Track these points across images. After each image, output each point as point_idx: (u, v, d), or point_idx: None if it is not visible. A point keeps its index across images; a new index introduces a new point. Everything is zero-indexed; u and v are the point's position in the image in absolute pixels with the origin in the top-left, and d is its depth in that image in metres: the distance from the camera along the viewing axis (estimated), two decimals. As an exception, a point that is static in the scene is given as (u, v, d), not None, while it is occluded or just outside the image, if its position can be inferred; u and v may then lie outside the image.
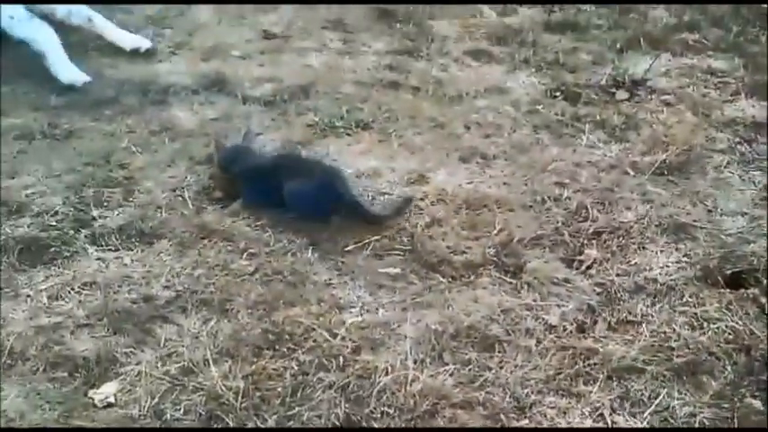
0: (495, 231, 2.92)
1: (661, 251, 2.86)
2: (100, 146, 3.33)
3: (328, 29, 4.31)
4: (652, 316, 2.60)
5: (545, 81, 3.89)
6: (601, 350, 2.46)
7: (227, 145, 3.15)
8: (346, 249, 2.84)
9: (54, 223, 2.90)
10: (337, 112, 3.58)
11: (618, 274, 2.75)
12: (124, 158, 3.26)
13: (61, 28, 3.85)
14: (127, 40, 3.97)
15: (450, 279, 2.73)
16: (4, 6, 3.58)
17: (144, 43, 3.98)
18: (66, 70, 3.47)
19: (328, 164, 3.15)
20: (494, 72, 3.97)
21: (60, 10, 3.91)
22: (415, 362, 2.42)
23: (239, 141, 3.17)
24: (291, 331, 2.50)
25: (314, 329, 2.51)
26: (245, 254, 2.80)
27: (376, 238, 2.88)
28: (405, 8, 4.49)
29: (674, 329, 2.55)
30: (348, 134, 3.47)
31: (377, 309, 2.61)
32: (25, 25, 3.55)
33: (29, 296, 2.61)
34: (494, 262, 2.79)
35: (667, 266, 2.80)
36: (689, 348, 2.48)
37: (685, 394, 2.34)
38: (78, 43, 3.96)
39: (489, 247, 2.85)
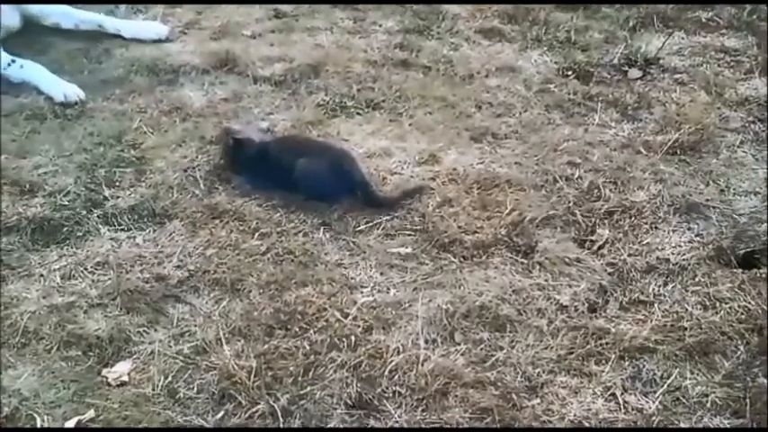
0: (507, 211, 2.91)
1: (673, 231, 2.85)
2: (111, 126, 3.33)
3: (338, 8, 4.28)
4: (664, 296, 2.59)
5: (557, 60, 3.87)
6: (612, 330, 2.46)
7: (233, 135, 3.07)
8: (357, 229, 2.84)
9: (66, 203, 2.91)
10: (348, 92, 3.57)
11: (630, 254, 2.74)
12: (135, 138, 3.26)
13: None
14: (144, 32, 3.95)
15: (461, 259, 2.73)
16: None
17: (162, 31, 3.96)
18: (60, 90, 3.46)
19: (338, 145, 3.15)
20: (505, 51, 3.95)
21: (65, 22, 3.95)
22: (426, 341, 2.42)
23: (244, 130, 3.11)
24: (303, 311, 2.51)
25: (325, 309, 2.52)
26: (257, 234, 2.80)
27: (387, 218, 2.88)
28: (415, -14, 4.45)
29: (687, 309, 2.54)
30: (359, 114, 3.46)
31: (388, 289, 2.62)
32: (13, 71, 3.56)
33: (42, 276, 2.63)
34: (505, 242, 2.79)
35: (680, 246, 2.79)
36: (701, 328, 2.48)
37: (697, 374, 2.34)
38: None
39: (501, 227, 2.84)
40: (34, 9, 3.92)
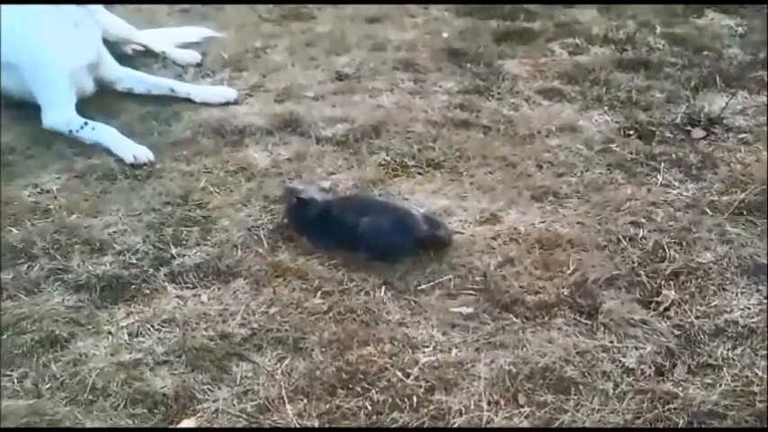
0: (570, 271, 2.89)
1: (741, 293, 2.80)
2: (178, 186, 3.41)
3: (399, 69, 4.36)
4: (733, 359, 2.53)
5: (618, 119, 3.86)
6: (680, 394, 2.41)
7: (297, 195, 3.11)
8: (419, 288, 2.85)
9: (134, 261, 2.98)
10: (409, 152, 3.61)
11: (697, 317, 2.69)
12: (202, 198, 3.34)
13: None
14: (214, 96, 4.07)
15: (523, 319, 2.71)
16: (62, 123, 3.76)
17: (231, 95, 4.08)
18: (130, 152, 3.59)
19: (400, 203, 3.18)
20: (565, 111, 3.96)
21: (138, 87, 4.10)
22: (489, 403, 2.40)
23: (307, 189, 3.15)
24: (365, 370, 2.51)
25: (387, 369, 2.52)
26: (319, 292, 2.83)
27: (448, 277, 2.89)
28: (475, 48, 4.52)
29: (757, 373, 2.48)
30: (419, 173, 3.49)
31: (450, 348, 2.61)
32: (85, 133, 3.71)
33: (110, 333, 2.68)
34: (568, 302, 2.76)
35: (748, 309, 2.73)
36: (773, 393, 2.41)
37: (770, 441, 2.27)
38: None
39: (563, 288, 2.82)
40: (109, 75, 4.07)
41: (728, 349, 2.57)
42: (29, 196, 3.36)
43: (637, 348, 2.58)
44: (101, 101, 4.02)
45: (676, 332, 2.64)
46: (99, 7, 4.04)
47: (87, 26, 3.91)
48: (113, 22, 4.30)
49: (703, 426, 2.20)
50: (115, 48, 4.31)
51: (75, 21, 3.85)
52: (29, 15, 3.79)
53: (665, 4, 5.00)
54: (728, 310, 2.72)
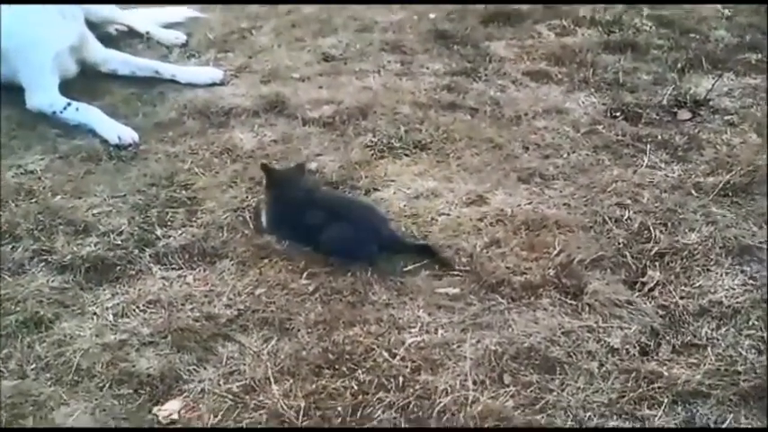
0: (555, 252, 2.90)
1: (726, 273, 2.81)
2: (164, 167, 3.40)
3: (386, 51, 4.34)
4: (717, 339, 2.55)
5: (605, 101, 3.86)
6: (665, 374, 2.42)
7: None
8: (405, 270, 2.85)
9: (119, 243, 2.97)
10: (395, 133, 3.60)
11: (682, 297, 2.71)
12: (187, 179, 3.32)
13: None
14: (200, 77, 4.05)
15: (509, 300, 2.72)
16: (45, 104, 3.74)
17: (217, 76, 4.06)
18: (115, 133, 3.56)
19: (364, 203, 3.12)
20: (552, 93, 3.95)
21: (122, 69, 4.06)
22: (474, 383, 2.41)
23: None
24: (351, 351, 2.52)
25: (373, 349, 2.52)
26: (305, 273, 2.82)
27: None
28: (462, 30, 4.50)
29: (741, 353, 2.50)
30: (406, 155, 3.48)
31: (436, 329, 2.61)
32: (69, 114, 3.69)
33: (95, 314, 2.67)
34: (554, 283, 2.77)
35: (732, 289, 2.74)
36: (756, 373, 2.43)
37: (752, 419, 2.29)
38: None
39: (549, 269, 2.83)
40: (93, 57, 4.04)
41: (713, 329, 2.59)
42: (13, 177, 3.34)
43: (622, 328, 2.60)
44: (85, 82, 3.99)
45: (661, 312, 2.66)
46: None
47: (69, 10, 3.87)
48: (97, 2, 4.26)
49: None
50: (99, 28, 4.28)
51: (58, 5, 3.81)
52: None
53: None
54: (713, 290, 2.74)
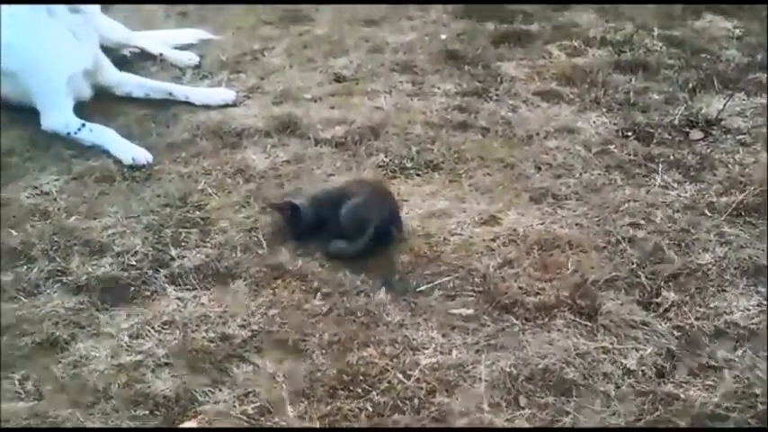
0: (569, 273, 2.90)
1: (741, 294, 2.80)
2: (177, 188, 3.41)
3: (397, 71, 4.35)
4: (734, 361, 2.54)
5: (616, 121, 3.86)
6: (682, 396, 2.42)
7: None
8: (419, 290, 2.85)
9: (134, 263, 2.98)
10: (407, 153, 3.61)
11: (697, 318, 2.70)
12: (200, 200, 3.33)
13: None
14: (212, 98, 4.07)
15: (523, 321, 2.71)
16: (60, 125, 3.77)
17: (229, 97, 4.08)
18: (129, 154, 3.59)
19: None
20: (563, 112, 3.96)
21: (137, 91, 4.09)
22: (490, 405, 2.40)
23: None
24: (365, 372, 2.52)
25: (388, 371, 2.52)
26: (319, 293, 2.83)
27: (448, 278, 2.89)
28: (473, 50, 4.52)
29: (758, 375, 2.48)
30: (418, 175, 3.49)
31: (450, 350, 2.61)
32: (84, 135, 3.72)
33: (110, 335, 2.68)
34: (568, 304, 2.77)
35: (748, 310, 2.73)
36: (773, 395, 2.42)
37: (771, 442, 2.28)
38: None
39: (563, 289, 2.83)
40: (107, 80, 4.07)
41: (729, 351, 2.58)
42: (28, 198, 3.36)
43: (637, 350, 2.59)
44: (99, 104, 4.01)
45: (676, 333, 2.65)
46: (97, 11, 4.03)
47: (84, 33, 3.91)
48: (111, 26, 4.29)
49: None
50: (113, 51, 4.31)
51: (72, 29, 3.86)
52: (26, 24, 3.81)
53: (664, 3, 5.00)
54: (728, 311, 2.73)
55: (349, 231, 2.99)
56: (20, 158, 3.63)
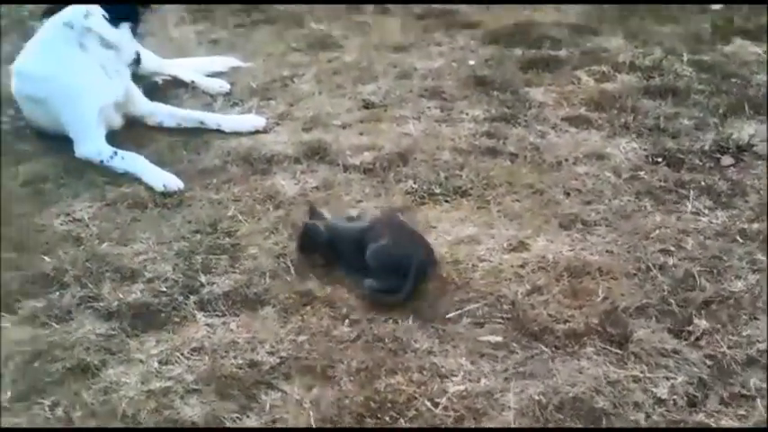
0: (599, 300, 2.88)
1: (774, 322, 2.77)
2: (208, 214, 3.44)
3: (426, 97, 4.38)
4: (767, 390, 2.50)
5: (646, 147, 3.84)
6: (713, 425, 2.38)
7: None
8: (447, 317, 2.84)
9: (164, 289, 3.00)
10: (435, 179, 3.62)
11: (729, 346, 2.66)
12: (230, 226, 3.36)
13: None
14: (243, 126, 4.12)
15: (553, 348, 2.69)
16: (93, 153, 3.84)
17: (259, 123, 4.13)
18: (160, 181, 3.64)
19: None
20: (592, 138, 3.95)
21: (168, 121, 4.15)
22: (519, 434, 2.38)
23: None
24: (393, 399, 2.51)
25: (416, 398, 2.51)
26: (347, 320, 2.83)
27: (476, 305, 2.88)
28: (501, 76, 4.53)
29: (791, 405, 2.45)
30: (446, 201, 3.49)
31: (479, 378, 2.60)
32: (116, 162, 3.79)
33: (141, 360, 2.70)
34: (598, 331, 2.75)
35: (781, 338, 2.70)
36: (808, 425, 2.37)
37: (806, 474, 2.23)
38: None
39: (593, 316, 2.81)
40: (139, 110, 4.14)
41: (761, 380, 2.54)
42: (61, 224, 3.41)
43: (668, 378, 2.56)
44: (131, 131, 4.08)
45: (708, 362, 2.61)
46: (132, 42, 4.10)
47: (115, 68, 4.00)
48: (144, 55, 4.37)
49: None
50: (145, 79, 4.39)
51: (103, 63, 3.95)
52: (60, 57, 3.91)
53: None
54: (761, 339, 2.69)
55: (379, 272, 2.95)
56: (54, 185, 3.69)
